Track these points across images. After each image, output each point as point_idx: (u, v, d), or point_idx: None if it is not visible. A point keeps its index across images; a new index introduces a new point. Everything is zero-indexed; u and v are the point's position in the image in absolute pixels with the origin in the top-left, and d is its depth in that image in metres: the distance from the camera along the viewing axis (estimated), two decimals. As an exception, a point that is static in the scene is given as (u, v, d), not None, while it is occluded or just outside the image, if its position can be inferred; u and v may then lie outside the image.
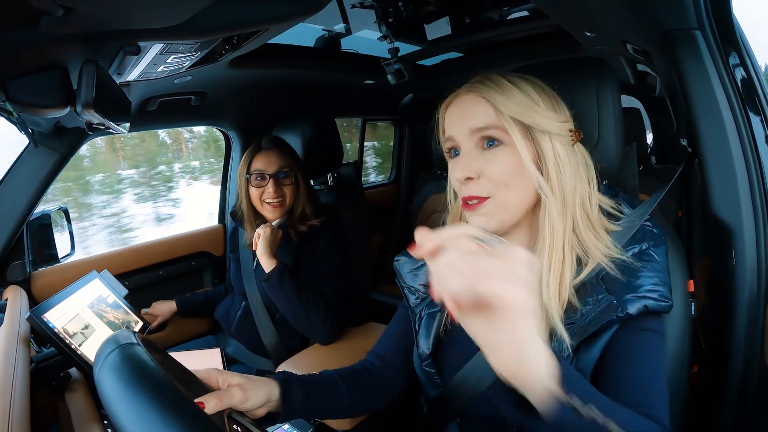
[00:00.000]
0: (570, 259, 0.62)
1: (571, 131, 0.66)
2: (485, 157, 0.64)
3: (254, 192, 1.37)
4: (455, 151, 0.68)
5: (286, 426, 1.02)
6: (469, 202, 0.65)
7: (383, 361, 0.84)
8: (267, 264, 1.26)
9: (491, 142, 0.64)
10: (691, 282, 0.76)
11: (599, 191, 0.69)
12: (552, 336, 0.61)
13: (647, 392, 0.58)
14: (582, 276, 0.62)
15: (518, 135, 0.62)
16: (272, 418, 0.68)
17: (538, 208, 0.66)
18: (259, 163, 1.36)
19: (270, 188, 1.34)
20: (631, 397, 0.57)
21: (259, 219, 1.43)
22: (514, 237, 0.70)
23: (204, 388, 0.59)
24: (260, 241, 1.27)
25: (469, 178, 0.64)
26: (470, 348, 0.69)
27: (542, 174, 0.63)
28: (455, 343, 0.73)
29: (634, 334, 0.61)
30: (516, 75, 0.67)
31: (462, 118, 0.66)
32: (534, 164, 0.63)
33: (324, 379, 0.78)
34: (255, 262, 1.42)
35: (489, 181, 0.64)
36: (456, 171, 0.66)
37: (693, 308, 0.75)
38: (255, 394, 0.62)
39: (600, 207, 0.68)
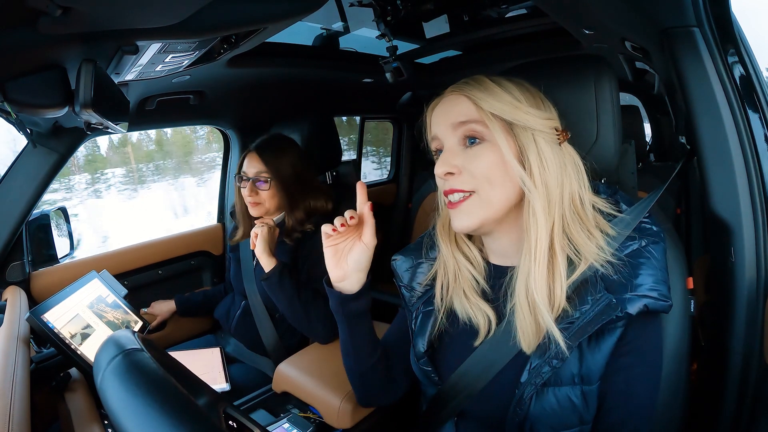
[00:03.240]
0: (561, 258, 0.62)
1: (557, 130, 0.65)
2: (467, 154, 0.65)
3: (241, 191, 1.39)
4: (440, 151, 0.69)
5: (286, 425, 1.02)
6: (452, 199, 0.65)
7: (391, 355, 0.84)
8: (266, 263, 1.26)
9: (473, 140, 0.65)
10: (690, 279, 0.76)
11: (596, 191, 0.68)
12: (547, 338, 0.60)
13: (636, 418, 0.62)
14: (575, 276, 0.61)
15: (498, 130, 0.63)
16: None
17: (521, 207, 0.65)
18: (245, 164, 1.38)
19: (246, 190, 1.36)
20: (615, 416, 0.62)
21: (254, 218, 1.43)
22: (499, 236, 0.69)
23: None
24: (258, 240, 1.26)
25: (450, 173, 0.65)
26: (466, 347, 0.69)
27: (525, 170, 0.63)
28: (451, 342, 0.72)
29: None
30: (502, 77, 0.68)
31: (444, 116, 0.67)
32: (516, 160, 0.63)
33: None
34: (255, 262, 1.42)
35: (472, 176, 0.64)
36: (438, 166, 0.66)
37: (692, 306, 0.75)
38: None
39: (596, 207, 0.67)
